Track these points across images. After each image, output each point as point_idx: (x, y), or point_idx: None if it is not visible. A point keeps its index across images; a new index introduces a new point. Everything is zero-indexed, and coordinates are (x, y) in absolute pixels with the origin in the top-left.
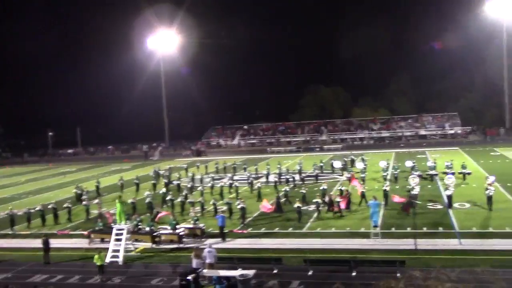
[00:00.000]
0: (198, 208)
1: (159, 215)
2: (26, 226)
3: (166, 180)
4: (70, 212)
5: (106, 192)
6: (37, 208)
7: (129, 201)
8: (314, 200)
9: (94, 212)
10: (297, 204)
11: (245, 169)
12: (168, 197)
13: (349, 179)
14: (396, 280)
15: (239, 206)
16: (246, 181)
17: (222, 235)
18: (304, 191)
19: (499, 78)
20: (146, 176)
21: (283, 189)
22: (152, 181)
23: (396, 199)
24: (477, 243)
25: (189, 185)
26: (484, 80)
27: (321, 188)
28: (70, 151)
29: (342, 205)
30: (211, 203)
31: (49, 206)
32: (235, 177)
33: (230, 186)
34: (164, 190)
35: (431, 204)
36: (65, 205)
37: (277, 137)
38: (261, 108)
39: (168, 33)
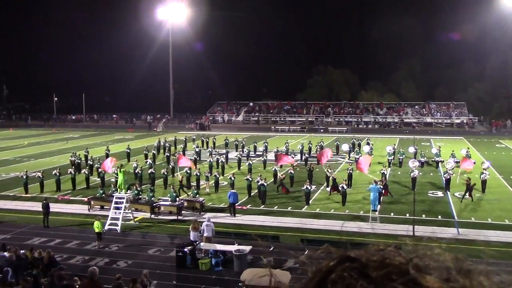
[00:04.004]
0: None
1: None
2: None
3: (167, 153)
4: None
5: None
6: (53, 172)
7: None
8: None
9: (96, 179)
10: (306, 186)
11: (255, 147)
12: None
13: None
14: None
15: (259, 183)
16: (245, 157)
17: (234, 211)
18: (292, 171)
19: (509, 69)
20: (141, 148)
21: (272, 168)
22: (152, 151)
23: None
24: (475, 234)
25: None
26: (494, 71)
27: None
28: (73, 117)
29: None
30: (229, 177)
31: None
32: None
33: (217, 161)
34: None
35: (431, 192)
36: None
37: (283, 116)
38: (269, 86)
39: (179, 4)
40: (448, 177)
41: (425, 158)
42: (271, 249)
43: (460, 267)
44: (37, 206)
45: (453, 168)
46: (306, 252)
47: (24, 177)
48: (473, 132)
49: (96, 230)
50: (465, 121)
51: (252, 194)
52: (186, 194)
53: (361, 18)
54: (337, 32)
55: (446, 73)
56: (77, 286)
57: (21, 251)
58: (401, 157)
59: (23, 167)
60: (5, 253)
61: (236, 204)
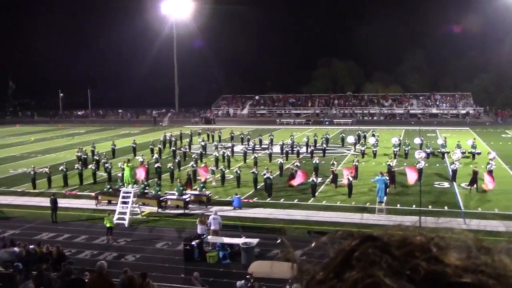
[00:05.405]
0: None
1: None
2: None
3: (173, 148)
4: (82, 175)
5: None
6: (60, 168)
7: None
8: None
9: (103, 174)
10: (312, 178)
11: (261, 140)
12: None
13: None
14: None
15: (265, 176)
16: (251, 151)
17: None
18: (298, 164)
19: None
20: (147, 143)
21: (278, 161)
22: (158, 146)
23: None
24: (482, 224)
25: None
26: (499, 61)
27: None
28: (79, 112)
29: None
30: (234, 171)
31: (60, 168)
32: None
33: (223, 155)
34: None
35: (437, 182)
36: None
37: (288, 109)
38: (274, 79)
39: None
40: (455, 168)
41: (431, 149)
42: (278, 241)
43: (480, 245)
44: (45, 202)
45: (459, 159)
46: (312, 242)
47: (32, 173)
48: (479, 122)
49: (108, 225)
50: (471, 111)
51: (258, 187)
52: (189, 189)
53: (365, 9)
54: (341, 24)
55: (451, 63)
56: (86, 280)
57: (30, 246)
58: (407, 149)
59: (31, 163)
60: (15, 248)
61: (242, 198)
